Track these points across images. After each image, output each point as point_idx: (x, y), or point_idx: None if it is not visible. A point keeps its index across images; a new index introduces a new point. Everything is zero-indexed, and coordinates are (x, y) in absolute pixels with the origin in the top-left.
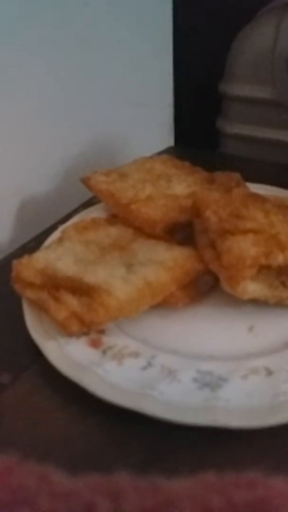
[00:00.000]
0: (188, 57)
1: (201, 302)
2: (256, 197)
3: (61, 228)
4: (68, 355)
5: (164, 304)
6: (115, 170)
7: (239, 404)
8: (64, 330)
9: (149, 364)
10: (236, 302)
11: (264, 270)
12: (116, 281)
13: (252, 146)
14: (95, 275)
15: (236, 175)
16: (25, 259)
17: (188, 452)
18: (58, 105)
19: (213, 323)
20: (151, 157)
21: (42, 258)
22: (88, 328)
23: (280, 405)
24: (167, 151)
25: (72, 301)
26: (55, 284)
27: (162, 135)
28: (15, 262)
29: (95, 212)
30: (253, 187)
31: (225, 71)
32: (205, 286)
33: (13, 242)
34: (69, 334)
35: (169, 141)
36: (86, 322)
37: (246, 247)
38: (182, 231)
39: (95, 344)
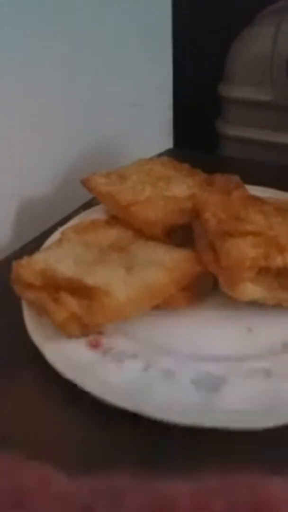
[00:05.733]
0: (188, 59)
1: (200, 304)
2: (255, 199)
3: (60, 229)
4: (68, 356)
5: (163, 305)
6: (114, 171)
7: (238, 406)
8: (64, 331)
9: (148, 366)
10: (235, 303)
11: (263, 272)
12: (115, 282)
13: (251, 148)
14: (94, 277)
15: (236, 177)
16: (24, 260)
17: (187, 453)
18: (57, 106)
19: (212, 324)
20: (151, 159)
21: (42, 259)
22: (88, 330)
23: (279, 406)
24: (167, 153)
25: (72, 303)
26: (55, 286)
27: (161, 137)
28: (14, 263)
29: (95, 214)
30: (252, 189)
31: (225, 73)
32: (204, 288)
33: (13, 243)
34: (69, 335)
35: (168, 143)
36: (85, 324)
37: (245, 249)
38: (182, 233)
39: (94, 345)
